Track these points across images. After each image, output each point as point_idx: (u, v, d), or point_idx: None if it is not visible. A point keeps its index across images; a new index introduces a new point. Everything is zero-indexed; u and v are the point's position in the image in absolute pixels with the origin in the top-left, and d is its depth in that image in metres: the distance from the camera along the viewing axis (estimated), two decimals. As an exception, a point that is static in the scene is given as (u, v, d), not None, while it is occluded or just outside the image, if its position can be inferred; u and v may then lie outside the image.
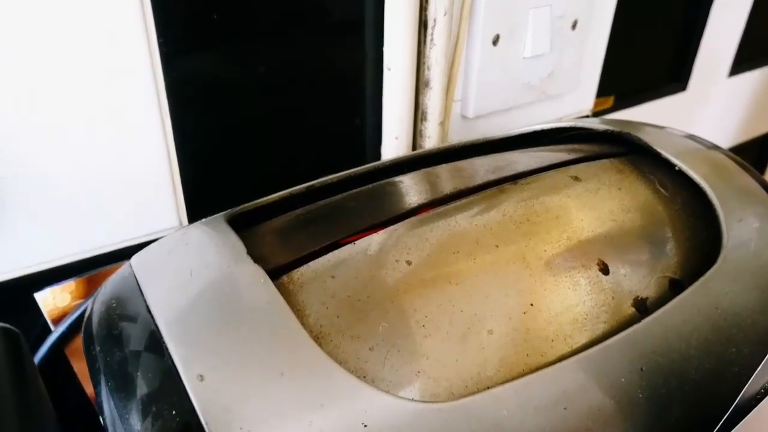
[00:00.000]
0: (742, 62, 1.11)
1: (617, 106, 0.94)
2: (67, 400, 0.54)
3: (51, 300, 0.52)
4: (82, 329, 0.38)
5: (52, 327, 0.52)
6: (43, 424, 0.24)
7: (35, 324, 0.52)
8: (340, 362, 0.31)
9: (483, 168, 0.45)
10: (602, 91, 0.88)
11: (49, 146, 0.46)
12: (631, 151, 0.51)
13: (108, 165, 0.49)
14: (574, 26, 0.71)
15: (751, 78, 1.17)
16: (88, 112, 0.47)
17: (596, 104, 0.88)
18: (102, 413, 0.33)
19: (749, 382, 0.36)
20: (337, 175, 0.47)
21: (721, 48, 1.06)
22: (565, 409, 0.32)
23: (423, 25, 0.57)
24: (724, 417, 0.35)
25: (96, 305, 0.38)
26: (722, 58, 1.08)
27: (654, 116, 1.00)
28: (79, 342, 0.53)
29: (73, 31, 0.44)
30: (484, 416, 0.31)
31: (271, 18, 0.53)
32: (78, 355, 0.54)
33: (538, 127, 0.55)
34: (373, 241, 0.38)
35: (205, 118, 0.54)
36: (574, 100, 0.81)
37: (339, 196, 0.44)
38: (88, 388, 0.55)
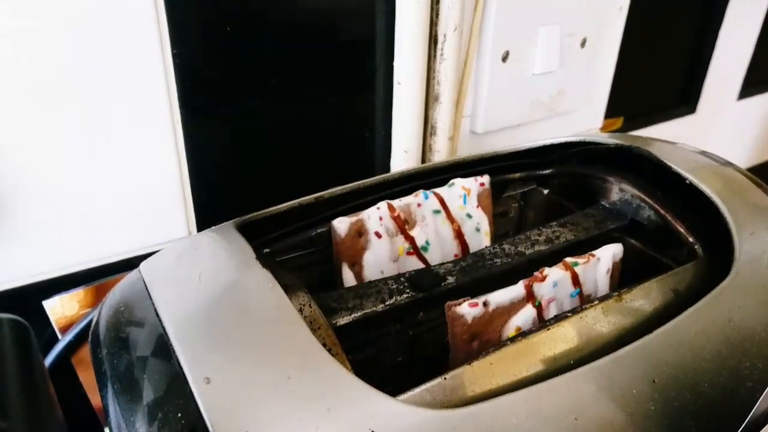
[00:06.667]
0: (752, 85, 1.12)
1: (626, 128, 0.95)
2: (72, 409, 0.53)
3: (59, 308, 0.52)
4: (90, 333, 0.38)
5: (59, 335, 0.52)
6: (48, 414, 0.24)
7: (43, 332, 0.52)
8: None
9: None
10: (611, 112, 0.88)
11: (61, 155, 0.47)
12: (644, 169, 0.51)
13: (119, 175, 0.50)
14: (583, 44, 0.71)
15: (761, 101, 1.17)
16: (102, 124, 0.47)
17: (605, 125, 0.88)
18: (107, 417, 0.33)
19: (762, 397, 0.35)
20: (346, 186, 0.47)
21: (731, 71, 1.06)
22: (575, 419, 0.31)
23: (433, 40, 0.58)
24: (738, 432, 0.34)
25: (104, 309, 0.38)
26: (731, 81, 1.08)
27: (663, 138, 1.00)
28: (85, 352, 0.53)
29: (89, 44, 0.44)
30: (494, 424, 0.30)
31: (284, 32, 0.54)
32: (84, 365, 0.53)
33: (548, 142, 0.55)
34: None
35: (216, 129, 0.54)
36: (583, 117, 0.81)
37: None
38: (94, 398, 0.54)
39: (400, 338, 0.43)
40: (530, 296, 0.40)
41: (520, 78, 0.67)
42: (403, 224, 0.46)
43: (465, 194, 0.49)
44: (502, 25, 0.63)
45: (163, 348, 0.33)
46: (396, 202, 0.46)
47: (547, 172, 0.57)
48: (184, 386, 0.30)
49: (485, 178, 0.50)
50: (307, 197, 0.47)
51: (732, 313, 0.37)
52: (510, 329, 0.39)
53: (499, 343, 0.36)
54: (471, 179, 0.49)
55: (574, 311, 0.38)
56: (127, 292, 0.38)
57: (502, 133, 0.71)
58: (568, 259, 0.42)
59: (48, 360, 0.52)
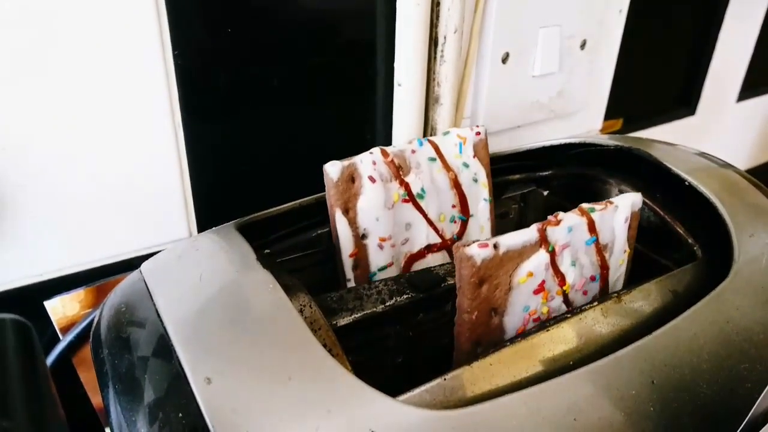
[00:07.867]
0: (751, 88, 1.12)
1: (626, 129, 0.95)
2: (73, 409, 0.53)
3: (60, 308, 0.52)
4: (91, 334, 0.38)
5: (60, 336, 0.52)
6: (51, 413, 0.24)
7: (44, 332, 0.52)
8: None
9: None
10: (611, 114, 0.88)
11: (62, 156, 0.47)
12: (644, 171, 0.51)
13: (120, 175, 0.50)
14: (583, 46, 0.71)
15: (760, 103, 1.17)
16: (102, 124, 0.47)
17: (605, 127, 0.88)
18: (109, 417, 0.33)
19: (761, 397, 0.35)
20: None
21: (730, 73, 1.06)
22: (575, 420, 0.31)
23: (433, 41, 0.58)
24: (737, 432, 0.34)
25: (105, 310, 0.38)
26: (731, 84, 1.08)
27: (662, 139, 1.01)
28: (86, 352, 0.53)
29: (90, 45, 0.44)
30: (493, 425, 0.30)
31: (286, 33, 0.54)
32: (85, 365, 0.53)
33: (548, 143, 0.55)
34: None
35: (217, 130, 0.54)
36: (582, 119, 0.81)
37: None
38: (95, 399, 0.54)
39: (400, 339, 0.43)
40: (543, 240, 0.38)
41: (520, 79, 0.68)
42: (397, 170, 0.45)
43: (461, 143, 0.47)
44: (502, 26, 0.63)
45: (164, 348, 0.33)
46: (389, 148, 0.45)
47: (547, 173, 0.57)
48: (185, 386, 0.30)
49: (482, 128, 0.48)
50: (308, 198, 0.47)
51: (731, 315, 0.38)
52: (521, 274, 0.38)
53: (508, 291, 0.36)
54: (467, 128, 0.48)
55: (574, 312, 0.38)
56: (128, 292, 0.38)
57: (502, 134, 0.71)
58: (585, 205, 0.40)
59: (49, 360, 0.52)
